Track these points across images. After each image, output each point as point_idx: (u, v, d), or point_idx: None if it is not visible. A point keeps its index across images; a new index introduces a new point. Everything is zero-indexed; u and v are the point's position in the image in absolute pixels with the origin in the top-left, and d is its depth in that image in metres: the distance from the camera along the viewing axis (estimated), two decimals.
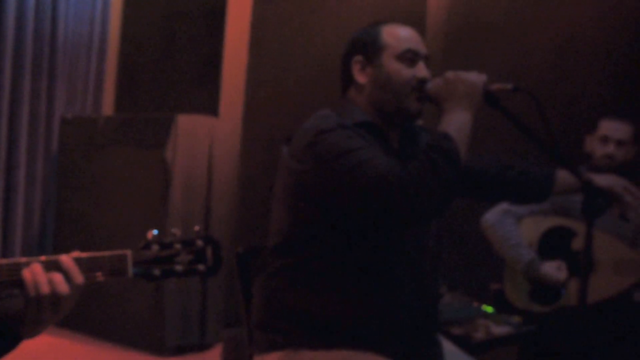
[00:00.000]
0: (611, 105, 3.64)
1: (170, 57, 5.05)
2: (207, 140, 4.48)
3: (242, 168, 4.67)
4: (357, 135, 1.85)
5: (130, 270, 1.41)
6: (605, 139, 3.13)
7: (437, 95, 1.91)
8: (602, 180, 2.11)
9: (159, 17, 5.09)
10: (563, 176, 2.17)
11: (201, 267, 1.45)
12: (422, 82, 1.95)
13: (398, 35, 1.98)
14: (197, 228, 1.46)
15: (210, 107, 4.77)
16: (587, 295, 1.94)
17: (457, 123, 1.84)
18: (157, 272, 1.43)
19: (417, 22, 3.87)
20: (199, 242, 1.46)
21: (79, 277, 1.38)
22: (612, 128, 3.12)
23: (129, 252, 1.42)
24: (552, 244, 3.10)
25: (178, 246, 1.45)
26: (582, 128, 3.25)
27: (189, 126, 4.38)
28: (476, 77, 1.88)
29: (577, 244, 3.07)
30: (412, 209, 1.70)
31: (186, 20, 4.99)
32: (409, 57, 1.95)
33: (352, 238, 1.85)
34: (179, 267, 1.45)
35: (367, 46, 1.98)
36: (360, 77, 1.98)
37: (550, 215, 3.13)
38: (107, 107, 5.29)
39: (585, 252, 1.96)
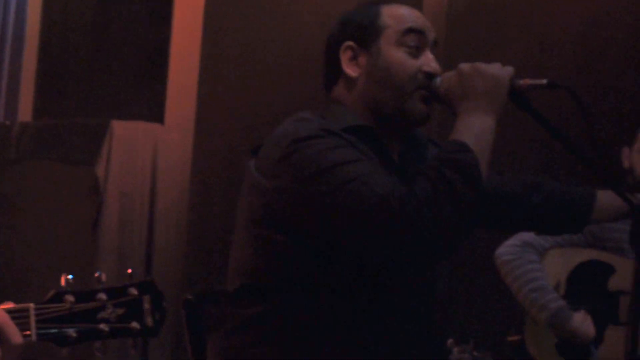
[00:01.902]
0: None
1: (105, 51, 5.02)
2: (150, 153, 4.46)
3: (193, 188, 4.60)
4: (347, 143, 1.79)
5: (34, 331, 1.29)
6: None
7: (450, 93, 1.84)
8: None
9: (92, 1, 5.08)
10: (604, 199, 2.13)
11: (135, 325, 1.35)
12: (430, 76, 1.88)
13: (399, 14, 1.92)
14: (129, 270, 1.35)
15: (154, 111, 4.74)
16: (637, 346, 1.90)
17: (476, 130, 1.77)
18: (72, 332, 1.32)
19: (412, 3, 3.89)
20: (133, 291, 1.37)
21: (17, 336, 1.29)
22: None
23: (31, 306, 1.31)
24: (585, 283, 3.07)
25: (102, 297, 1.35)
26: (617, 137, 3.23)
27: (126, 135, 4.38)
28: (500, 71, 1.83)
29: (615, 283, 3.03)
30: (419, 241, 1.65)
31: (125, 4, 4.97)
32: (413, 41, 1.89)
33: (341, 280, 1.79)
34: (103, 326, 1.34)
35: (361, 29, 1.92)
36: (351, 69, 1.92)
37: (582, 247, 3.10)
38: (24, 112, 5.21)
39: (635, 294, 1.89)
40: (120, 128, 4.31)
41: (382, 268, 1.80)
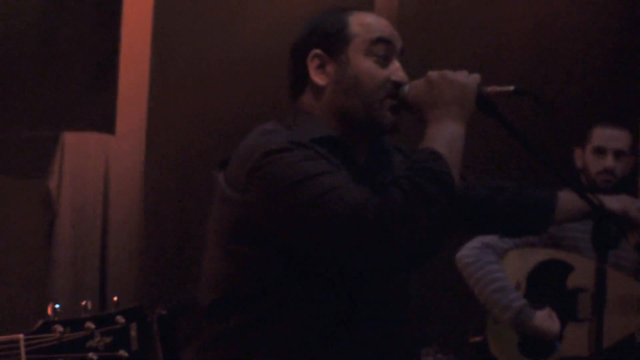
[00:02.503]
0: (602, 108, 3.68)
1: (52, 60, 4.87)
2: (102, 164, 4.42)
3: (146, 198, 4.57)
4: (318, 155, 1.78)
5: None
6: (600, 151, 3.17)
7: (418, 101, 1.85)
8: (614, 203, 2.09)
9: (37, 7, 4.93)
10: (566, 200, 2.15)
11: (122, 353, 1.37)
12: (398, 85, 1.89)
13: (369, 23, 1.92)
14: (115, 299, 1.34)
15: (105, 121, 4.61)
16: (602, 344, 1.94)
17: (446, 137, 1.78)
18: None
19: (362, 6, 3.89)
20: (120, 319, 1.38)
21: None
22: (608, 136, 3.18)
23: (21, 337, 1.32)
24: (544, 282, 3.12)
25: (90, 325, 1.36)
26: (567, 137, 3.27)
27: (77, 146, 4.35)
28: (467, 78, 1.84)
29: (574, 281, 3.10)
30: (396, 251, 1.66)
31: (72, 12, 4.85)
32: (382, 50, 1.90)
33: (315, 291, 1.78)
34: (92, 355, 1.35)
35: (329, 38, 1.91)
36: (319, 78, 1.91)
37: (540, 247, 3.15)
38: None
39: (598, 293, 1.95)
40: (71, 139, 4.26)
41: (359, 278, 1.79)
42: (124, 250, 4.48)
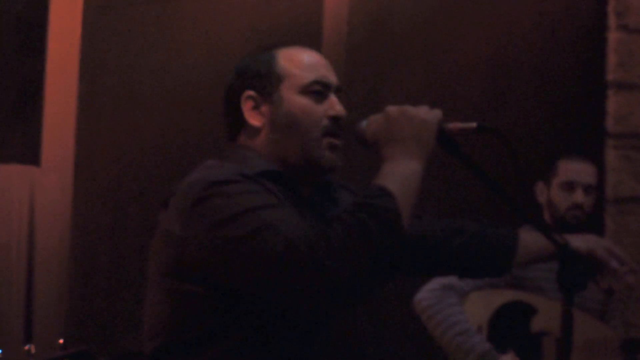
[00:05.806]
0: (560, 141, 3.72)
1: None
2: (26, 198, 4.39)
3: (74, 235, 4.52)
4: (263, 189, 1.82)
5: None
6: (570, 185, 3.23)
7: (376, 137, 1.88)
8: (580, 242, 2.10)
9: None
10: (529, 240, 2.17)
11: None
12: (336, 120, 1.94)
13: (300, 61, 1.97)
14: (61, 341, 1.36)
15: (29, 152, 4.62)
16: None
17: (400, 174, 1.81)
18: None
19: (311, 35, 3.87)
20: None
21: None
22: (578, 171, 3.25)
23: None
24: (507, 325, 3.13)
25: None
26: (528, 172, 3.30)
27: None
28: (428, 114, 1.87)
29: (538, 324, 3.11)
30: (328, 287, 1.69)
31: None
32: (318, 89, 1.95)
33: (260, 329, 1.80)
34: None
35: (260, 78, 1.96)
36: (254, 119, 1.96)
37: (502, 288, 3.17)
38: None
39: (564, 337, 1.96)
40: None
41: (296, 314, 1.81)
42: (51, 291, 4.42)
